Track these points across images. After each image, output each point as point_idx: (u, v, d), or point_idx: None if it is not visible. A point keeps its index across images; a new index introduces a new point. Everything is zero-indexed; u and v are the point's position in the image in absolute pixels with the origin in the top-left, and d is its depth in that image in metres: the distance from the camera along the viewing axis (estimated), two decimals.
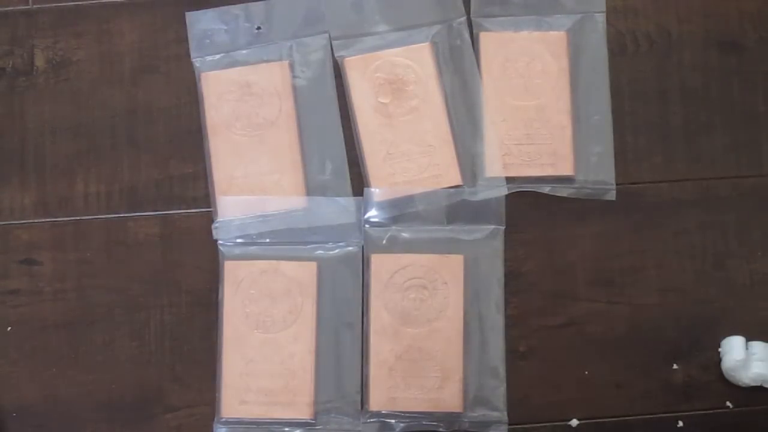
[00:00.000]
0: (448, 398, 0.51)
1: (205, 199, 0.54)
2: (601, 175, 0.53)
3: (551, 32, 0.55)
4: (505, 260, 0.53)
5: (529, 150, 0.53)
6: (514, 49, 0.54)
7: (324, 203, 0.53)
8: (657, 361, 0.52)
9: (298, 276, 0.52)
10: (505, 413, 0.51)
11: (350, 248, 0.53)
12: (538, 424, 0.52)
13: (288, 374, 0.51)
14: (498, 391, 0.51)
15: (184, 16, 0.55)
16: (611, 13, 0.55)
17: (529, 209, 0.53)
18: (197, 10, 0.55)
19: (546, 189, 0.53)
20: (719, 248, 0.53)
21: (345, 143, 0.54)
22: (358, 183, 0.53)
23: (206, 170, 0.54)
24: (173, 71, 0.55)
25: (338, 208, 0.53)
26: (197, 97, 0.54)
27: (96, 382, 0.52)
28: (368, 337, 0.52)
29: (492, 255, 0.52)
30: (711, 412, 0.52)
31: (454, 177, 0.53)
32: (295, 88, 0.54)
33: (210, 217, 0.53)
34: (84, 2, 0.56)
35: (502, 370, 0.51)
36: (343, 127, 0.54)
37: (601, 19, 0.55)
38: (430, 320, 0.52)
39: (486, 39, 0.55)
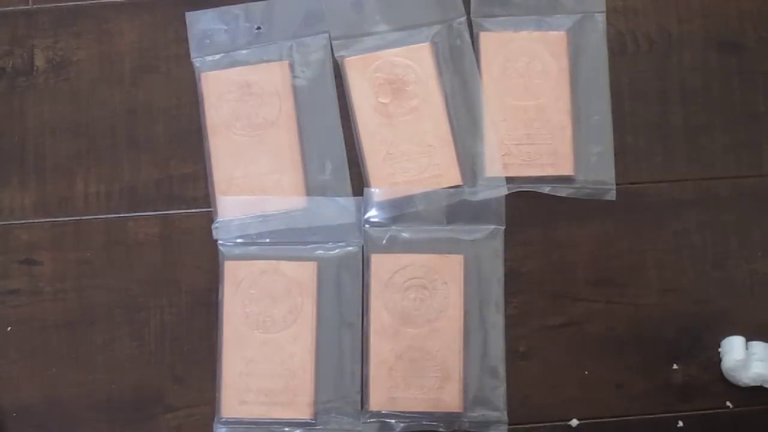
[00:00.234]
0: (448, 398, 0.51)
1: (205, 199, 0.54)
2: (601, 175, 0.53)
3: (551, 32, 0.55)
4: (505, 260, 0.53)
5: (529, 150, 0.53)
6: (514, 49, 0.54)
7: (324, 203, 0.53)
8: (657, 361, 0.52)
9: (298, 276, 0.52)
10: (505, 413, 0.51)
11: (350, 248, 0.53)
12: (538, 424, 0.52)
13: (288, 374, 0.51)
14: (498, 391, 0.51)
15: (184, 16, 0.55)
16: (611, 13, 0.55)
17: (529, 209, 0.53)
18: (197, 10, 0.55)
19: (546, 189, 0.53)
20: (719, 248, 0.53)
21: (345, 143, 0.54)
22: (358, 183, 0.53)
23: (206, 170, 0.54)
24: (173, 71, 0.55)
25: (338, 208, 0.53)
26: (197, 97, 0.54)
27: (96, 382, 0.52)
28: (368, 337, 0.52)
29: (492, 255, 0.52)
30: (711, 412, 0.52)
31: (454, 177, 0.53)
32: (295, 88, 0.54)
33: (210, 217, 0.53)
34: (84, 2, 0.56)
35: (502, 370, 0.51)
36: (343, 127, 0.54)
37: (601, 19, 0.55)
38: (430, 320, 0.52)
39: (486, 39, 0.55)
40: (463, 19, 0.55)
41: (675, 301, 0.53)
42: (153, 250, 0.53)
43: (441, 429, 0.51)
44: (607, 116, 0.54)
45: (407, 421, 0.51)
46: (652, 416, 0.52)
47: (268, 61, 0.54)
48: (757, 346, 0.51)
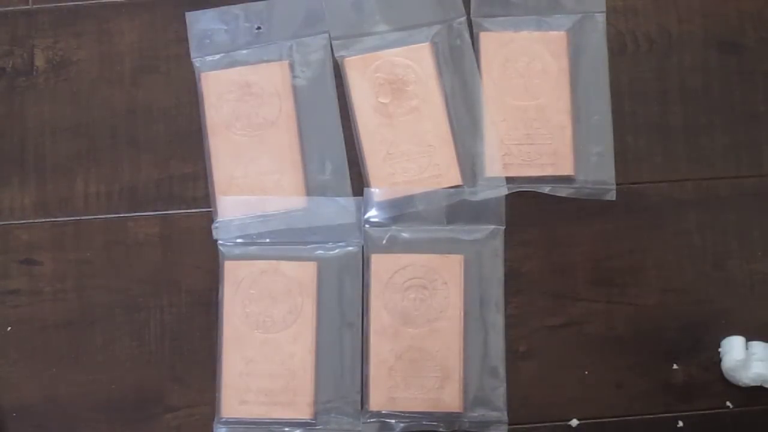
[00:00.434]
0: (448, 398, 0.51)
1: (205, 199, 0.54)
2: (601, 175, 0.53)
3: (551, 32, 0.55)
4: (505, 260, 0.53)
5: (529, 150, 0.53)
6: (514, 49, 0.54)
7: (324, 203, 0.53)
8: (657, 361, 0.52)
9: (298, 276, 0.52)
10: (505, 413, 0.51)
11: (350, 248, 0.53)
12: (538, 424, 0.52)
13: (288, 374, 0.51)
14: (498, 391, 0.51)
15: (184, 16, 0.55)
16: (611, 13, 0.55)
17: (529, 209, 0.53)
18: (197, 10, 0.55)
19: (546, 189, 0.53)
20: (719, 248, 0.53)
21: (345, 143, 0.54)
22: (358, 183, 0.53)
23: (206, 170, 0.54)
24: (173, 71, 0.55)
25: (338, 208, 0.53)
26: (197, 97, 0.54)
27: (96, 382, 0.52)
28: (368, 337, 0.52)
29: (492, 255, 0.52)
30: (711, 412, 0.52)
31: (454, 177, 0.53)
32: (295, 88, 0.54)
33: (210, 217, 0.53)
34: (84, 2, 0.56)
35: (502, 370, 0.51)
36: (343, 127, 0.54)
37: (601, 19, 0.55)
38: (430, 320, 0.52)
39: (486, 39, 0.55)
40: (463, 19, 0.55)
41: (675, 301, 0.53)
42: (153, 250, 0.53)
43: (441, 429, 0.51)
44: (607, 116, 0.54)
45: (407, 421, 0.51)
46: (652, 416, 0.52)
47: (268, 61, 0.54)
48: (757, 346, 0.51)
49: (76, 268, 0.53)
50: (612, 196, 0.53)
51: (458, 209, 0.53)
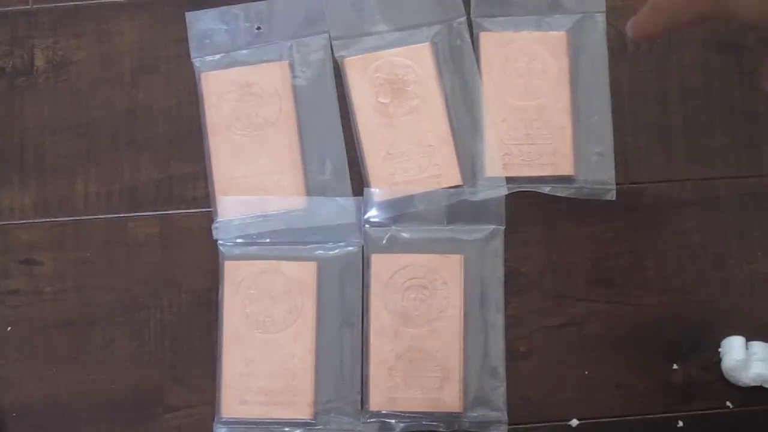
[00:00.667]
0: (448, 398, 0.51)
1: (205, 199, 0.54)
2: (601, 175, 0.53)
3: (551, 32, 0.55)
4: (505, 260, 0.53)
5: (529, 150, 0.53)
6: (514, 49, 0.54)
7: (324, 203, 0.53)
8: (657, 361, 0.52)
9: (298, 276, 0.52)
10: (505, 413, 0.51)
11: (350, 248, 0.53)
12: (538, 424, 0.52)
13: (288, 374, 0.51)
14: (498, 391, 0.51)
15: (184, 16, 0.55)
16: (611, 13, 0.55)
17: (529, 209, 0.53)
18: (197, 10, 0.55)
19: (546, 189, 0.53)
20: (719, 248, 0.53)
21: (345, 143, 0.54)
22: (358, 183, 0.53)
23: (206, 170, 0.54)
24: (173, 71, 0.55)
25: (338, 208, 0.53)
26: (197, 97, 0.54)
27: (96, 382, 0.52)
28: (368, 337, 0.52)
29: (492, 255, 0.52)
30: (711, 412, 0.52)
31: (454, 177, 0.53)
32: (295, 88, 0.54)
33: (210, 217, 0.53)
34: (84, 2, 0.56)
35: (502, 370, 0.51)
36: (343, 127, 0.54)
37: (601, 19, 0.55)
38: (430, 320, 0.52)
39: (486, 39, 0.55)
40: (463, 19, 0.55)
41: (675, 301, 0.53)
42: (153, 250, 0.53)
43: (441, 429, 0.51)
44: (607, 116, 0.54)
45: (407, 421, 0.51)
46: (652, 416, 0.52)
47: (268, 61, 0.54)
48: (757, 346, 0.51)
49: (76, 268, 0.53)
50: (612, 196, 0.53)
51: (458, 209, 0.53)
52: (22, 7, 0.56)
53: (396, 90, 0.54)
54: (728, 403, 0.52)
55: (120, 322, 0.53)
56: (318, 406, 0.51)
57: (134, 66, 0.55)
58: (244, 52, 0.55)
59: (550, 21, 0.55)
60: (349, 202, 0.53)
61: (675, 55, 0.55)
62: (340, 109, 0.54)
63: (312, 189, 0.53)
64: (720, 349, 0.52)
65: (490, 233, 0.53)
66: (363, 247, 0.53)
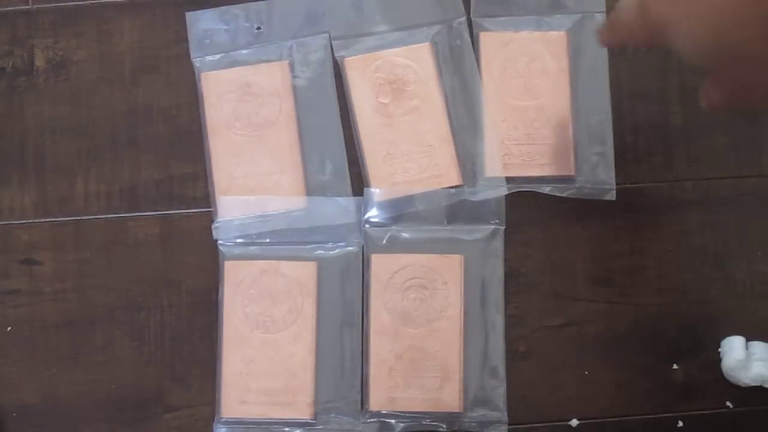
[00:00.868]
0: (448, 398, 0.51)
1: (205, 199, 0.54)
2: (601, 175, 0.53)
3: (551, 32, 0.55)
4: (505, 260, 0.53)
5: (529, 150, 0.53)
6: (514, 49, 0.54)
7: (324, 203, 0.53)
8: (657, 361, 0.52)
9: (298, 276, 0.52)
10: (505, 413, 0.51)
11: (350, 248, 0.53)
12: (538, 424, 0.52)
13: (288, 374, 0.51)
14: (498, 391, 0.51)
15: (184, 16, 0.55)
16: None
17: (529, 209, 0.53)
18: (197, 10, 0.55)
19: (546, 189, 0.53)
20: (719, 248, 0.53)
21: (345, 143, 0.54)
22: (358, 183, 0.53)
23: (206, 170, 0.54)
24: (173, 71, 0.55)
25: (338, 208, 0.53)
26: (197, 97, 0.54)
27: (96, 382, 0.52)
28: (368, 337, 0.52)
29: (492, 255, 0.52)
30: (711, 412, 0.52)
31: (454, 177, 0.53)
32: (295, 88, 0.54)
33: (210, 217, 0.53)
34: (84, 2, 0.56)
35: (502, 370, 0.51)
36: (343, 127, 0.54)
37: (601, 19, 0.55)
38: (430, 320, 0.52)
39: (486, 39, 0.55)
40: (463, 19, 0.55)
41: (675, 301, 0.53)
42: (153, 250, 0.53)
43: (441, 429, 0.51)
44: (607, 116, 0.54)
45: (407, 421, 0.51)
46: (652, 416, 0.52)
47: (268, 61, 0.54)
48: (757, 346, 0.51)
49: (76, 268, 0.53)
50: (612, 196, 0.53)
51: (458, 209, 0.53)
52: (22, 7, 0.56)
53: (396, 90, 0.54)
54: (728, 403, 0.52)
55: (120, 322, 0.53)
56: (318, 406, 0.51)
57: (134, 66, 0.55)
58: (244, 52, 0.55)
59: (550, 21, 0.55)
60: (349, 202, 0.53)
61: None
62: (340, 109, 0.54)
63: (312, 189, 0.53)
64: (720, 349, 0.52)
65: (490, 233, 0.53)
66: (363, 247, 0.53)
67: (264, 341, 0.52)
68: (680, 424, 0.52)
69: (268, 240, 0.53)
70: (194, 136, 0.54)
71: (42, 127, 0.55)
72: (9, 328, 0.53)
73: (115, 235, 0.54)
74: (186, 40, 0.55)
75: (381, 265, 0.52)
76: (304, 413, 0.51)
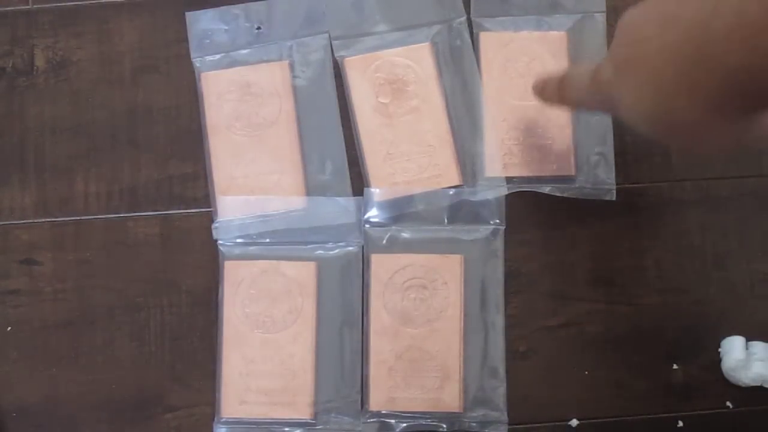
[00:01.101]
0: (448, 398, 0.51)
1: (205, 199, 0.54)
2: (601, 175, 0.53)
3: (551, 32, 0.55)
4: (505, 260, 0.53)
5: (529, 150, 0.53)
6: (514, 49, 0.54)
7: (324, 203, 0.53)
8: (657, 361, 0.52)
9: (298, 276, 0.52)
10: (505, 413, 0.51)
11: (350, 248, 0.53)
12: (538, 424, 0.52)
13: (288, 374, 0.51)
14: (498, 391, 0.51)
15: (184, 16, 0.55)
16: (611, 13, 0.55)
17: (529, 209, 0.53)
18: (197, 10, 0.55)
19: (546, 189, 0.53)
20: (719, 248, 0.53)
21: (345, 143, 0.54)
22: (358, 183, 0.53)
23: (206, 170, 0.54)
24: (173, 71, 0.55)
25: (338, 208, 0.53)
26: (197, 97, 0.54)
27: (96, 382, 0.52)
28: (368, 337, 0.52)
29: (492, 255, 0.52)
30: (711, 412, 0.52)
31: (454, 177, 0.53)
32: (295, 88, 0.54)
33: (210, 217, 0.53)
34: (84, 2, 0.56)
35: (502, 370, 0.51)
36: (343, 127, 0.54)
37: (601, 19, 0.55)
38: (430, 320, 0.52)
39: (486, 39, 0.55)
40: (463, 19, 0.55)
41: (675, 301, 0.53)
42: (153, 250, 0.53)
43: (441, 429, 0.51)
44: (607, 116, 0.54)
45: (407, 421, 0.51)
46: (652, 416, 0.52)
47: (268, 61, 0.54)
48: (757, 346, 0.51)
49: (76, 268, 0.53)
50: (612, 196, 0.53)
51: (458, 209, 0.53)
52: (22, 7, 0.56)
53: (396, 90, 0.54)
54: (728, 403, 0.52)
55: (120, 322, 0.53)
56: (318, 406, 0.51)
57: (134, 66, 0.55)
58: (244, 52, 0.55)
59: (550, 21, 0.55)
60: (349, 202, 0.53)
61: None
62: (340, 109, 0.54)
63: (312, 189, 0.53)
64: (720, 349, 0.52)
65: (490, 233, 0.53)
66: (363, 247, 0.53)
67: (264, 341, 0.52)
68: (680, 424, 0.52)
69: (268, 240, 0.53)
70: (194, 136, 0.54)
71: (42, 127, 0.55)
72: (9, 328, 0.53)
73: (115, 235, 0.54)
74: (186, 40, 0.55)
75: (381, 265, 0.52)
76: (304, 413, 0.51)
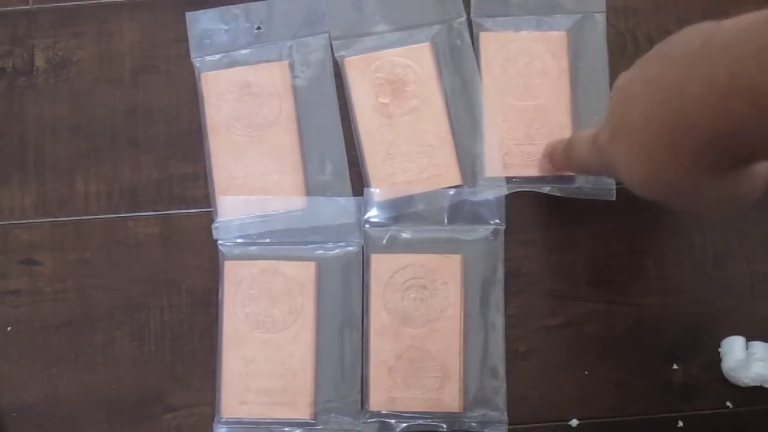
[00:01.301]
0: (448, 398, 0.51)
1: (205, 199, 0.54)
2: None
3: (551, 32, 0.55)
4: (505, 260, 0.53)
5: (529, 150, 0.53)
6: (514, 49, 0.54)
7: (324, 203, 0.53)
8: (657, 361, 0.52)
9: (298, 276, 0.52)
10: (505, 413, 0.51)
11: (350, 248, 0.53)
12: (538, 424, 0.52)
13: (288, 374, 0.51)
14: (498, 391, 0.51)
15: (184, 16, 0.55)
16: (611, 13, 0.55)
17: (529, 209, 0.53)
18: (197, 10, 0.55)
19: (546, 189, 0.53)
20: (719, 248, 0.53)
21: (345, 143, 0.54)
22: (358, 183, 0.53)
23: (206, 170, 0.54)
24: (173, 71, 0.55)
25: (338, 208, 0.53)
26: (197, 97, 0.54)
27: (96, 382, 0.52)
28: (368, 337, 0.52)
29: (492, 255, 0.52)
30: (711, 412, 0.52)
31: (454, 177, 0.53)
32: (295, 88, 0.54)
33: (210, 217, 0.53)
34: (84, 2, 0.56)
35: (502, 370, 0.51)
36: (343, 127, 0.54)
37: (601, 19, 0.55)
38: (430, 320, 0.52)
39: (486, 39, 0.55)
40: (463, 19, 0.55)
41: (675, 301, 0.53)
42: (153, 250, 0.53)
43: (441, 429, 0.51)
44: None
45: (407, 421, 0.51)
46: (652, 416, 0.52)
47: (268, 61, 0.54)
48: (757, 346, 0.51)
49: (76, 268, 0.53)
50: (612, 196, 0.53)
51: (458, 209, 0.53)
52: (22, 7, 0.56)
53: (396, 90, 0.54)
54: (728, 403, 0.52)
55: (120, 322, 0.53)
56: (318, 406, 0.51)
57: (134, 66, 0.55)
58: (244, 52, 0.55)
59: (550, 21, 0.55)
60: (349, 202, 0.53)
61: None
62: (340, 109, 0.54)
63: (312, 189, 0.53)
64: (720, 349, 0.52)
65: (490, 233, 0.53)
66: (363, 247, 0.53)
67: (264, 341, 0.52)
68: (680, 424, 0.52)
69: (268, 240, 0.53)
70: (194, 136, 0.54)
71: (42, 127, 0.55)
72: (9, 328, 0.53)
73: (115, 235, 0.54)
74: (186, 40, 0.55)
75: (381, 265, 0.52)
76: (304, 413, 0.51)
